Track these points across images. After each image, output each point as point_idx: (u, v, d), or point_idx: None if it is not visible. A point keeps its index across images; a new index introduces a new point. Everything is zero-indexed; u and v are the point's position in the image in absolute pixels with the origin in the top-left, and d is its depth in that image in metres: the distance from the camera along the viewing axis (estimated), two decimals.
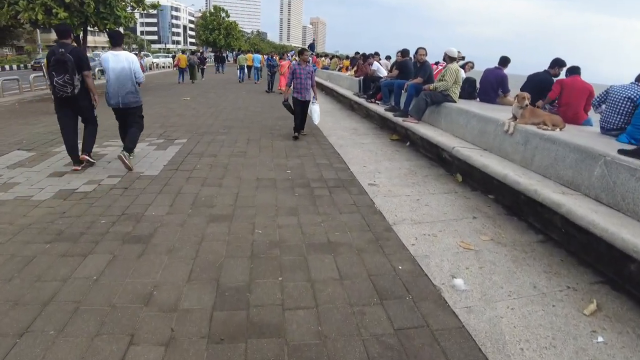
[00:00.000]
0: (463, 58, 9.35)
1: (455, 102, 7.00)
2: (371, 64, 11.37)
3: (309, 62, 8.11)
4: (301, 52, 8.14)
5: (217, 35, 56.45)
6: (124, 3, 15.06)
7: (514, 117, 5.19)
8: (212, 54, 44.49)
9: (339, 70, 20.23)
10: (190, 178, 5.42)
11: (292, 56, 44.50)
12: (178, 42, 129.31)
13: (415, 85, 7.73)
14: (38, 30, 42.17)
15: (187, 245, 3.60)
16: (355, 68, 15.23)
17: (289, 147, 7.30)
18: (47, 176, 5.61)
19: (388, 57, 15.78)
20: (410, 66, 9.19)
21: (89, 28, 15.80)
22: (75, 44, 15.89)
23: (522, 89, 6.51)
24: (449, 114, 6.75)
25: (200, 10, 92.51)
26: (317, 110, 8.41)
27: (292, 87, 7.96)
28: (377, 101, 10.00)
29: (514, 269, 3.39)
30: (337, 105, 13.68)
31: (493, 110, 6.22)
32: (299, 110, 8.04)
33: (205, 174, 5.62)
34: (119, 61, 5.87)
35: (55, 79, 5.32)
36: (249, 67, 24.60)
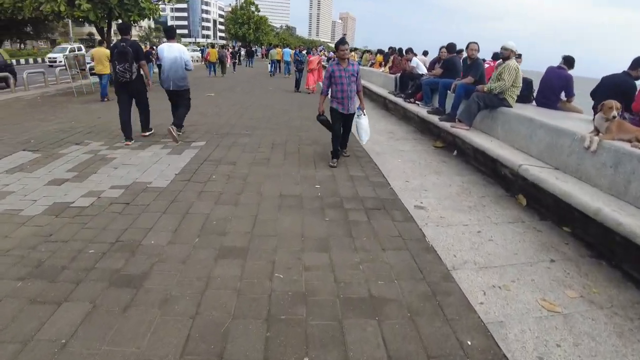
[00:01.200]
0: (519, 55, 8.25)
1: (512, 106, 5.98)
2: (410, 60, 10.36)
3: (349, 59, 5.77)
4: (337, 46, 5.75)
5: (246, 29, 55.98)
6: None
7: (596, 131, 4.17)
8: (243, 49, 44.07)
9: (371, 66, 19.21)
10: (203, 192, 4.62)
11: (321, 51, 43.56)
12: (208, 37, 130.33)
13: (465, 86, 6.72)
14: (71, 24, 42.78)
15: (187, 293, 2.78)
16: (389, 64, 14.21)
17: (318, 154, 6.42)
18: (46, 184, 4.96)
19: (425, 53, 14.67)
20: (458, 63, 8.16)
21: (117, 21, 15.30)
22: (100, 38, 15.62)
23: (594, 95, 5.46)
24: (507, 122, 5.72)
25: (230, 4, 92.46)
26: (365, 126, 6.20)
27: (329, 94, 5.91)
28: (416, 101, 9.01)
29: (623, 350, 2.44)
30: (370, 104, 12.69)
31: (561, 119, 5.20)
32: (340, 126, 5.91)
33: (221, 187, 4.80)
34: (172, 51, 7.01)
35: (117, 67, 6.60)
36: (279, 61, 25.19)
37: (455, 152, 6.66)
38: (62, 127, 8.17)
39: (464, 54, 7.64)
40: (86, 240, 3.53)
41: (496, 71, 6.16)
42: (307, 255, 3.29)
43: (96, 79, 13.07)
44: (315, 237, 3.60)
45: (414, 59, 10.39)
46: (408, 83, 10.22)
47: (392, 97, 10.51)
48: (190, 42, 75.56)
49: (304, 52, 18.65)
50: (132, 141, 6.92)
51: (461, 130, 6.17)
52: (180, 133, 7.30)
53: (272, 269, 3.07)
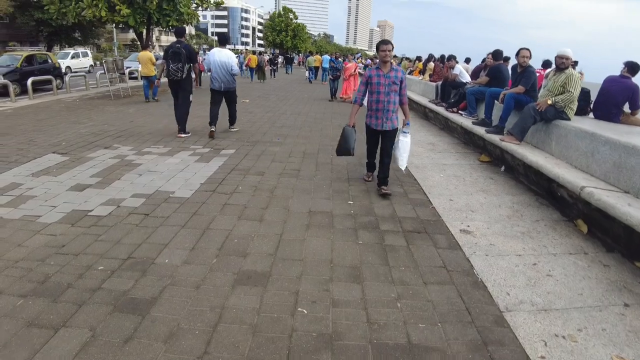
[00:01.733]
0: (576, 63, 7.61)
1: (570, 119, 5.38)
2: (452, 68, 9.80)
3: (392, 64, 4.71)
4: (378, 47, 4.73)
5: (284, 36, 56.41)
6: (187, 0, 14.56)
7: None
8: (281, 56, 44.37)
9: (410, 73, 18.67)
10: (226, 205, 4.28)
11: (358, 58, 43.03)
12: (247, 44, 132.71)
13: (516, 96, 6.15)
14: (115, 30, 44.29)
15: (196, 326, 2.42)
16: (430, 72, 13.65)
17: (352, 165, 5.99)
18: (68, 189, 4.79)
19: (467, 60, 14.04)
20: (505, 71, 7.58)
21: (157, 27, 15.50)
22: (140, 41, 15.87)
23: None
24: (563, 136, 5.13)
25: (269, 12, 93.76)
26: (407, 147, 4.95)
27: (364, 104, 4.89)
28: (460, 111, 8.45)
29: None
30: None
31: (628, 134, 4.58)
32: (375, 147, 5.05)
33: (246, 200, 4.46)
34: (222, 56, 7.59)
35: (170, 65, 7.33)
36: (317, 68, 25.93)
37: (503, 168, 6.08)
38: (94, 130, 8.12)
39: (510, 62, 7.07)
40: (97, 255, 3.26)
41: (552, 81, 5.57)
42: (336, 287, 2.87)
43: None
44: (346, 264, 3.18)
45: (457, 66, 9.83)
46: (450, 91, 9.66)
47: (432, 106, 9.97)
48: (229, 49, 76.86)
49: (340, 59, 17.47)
50: (189, 134, 7.79)
51: (511, 145, 5.61)
52: (237, 129, 8.42)
53: (295, 302, 2.67)
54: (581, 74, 7.80)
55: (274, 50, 58.10)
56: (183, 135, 7.68)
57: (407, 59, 21.44)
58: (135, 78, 21.56)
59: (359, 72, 14.59)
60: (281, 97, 15.38)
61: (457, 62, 10.16)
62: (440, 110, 9.25)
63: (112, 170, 5.52)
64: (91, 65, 29.69)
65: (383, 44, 4.68)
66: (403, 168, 5.12)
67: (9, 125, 8.79)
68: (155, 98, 13.20)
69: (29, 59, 16.12)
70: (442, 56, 12.38)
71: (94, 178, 5.21)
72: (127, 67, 22.01)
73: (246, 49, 30.46)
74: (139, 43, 16.09)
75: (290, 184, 5.00)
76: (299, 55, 56.34)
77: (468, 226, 4.05)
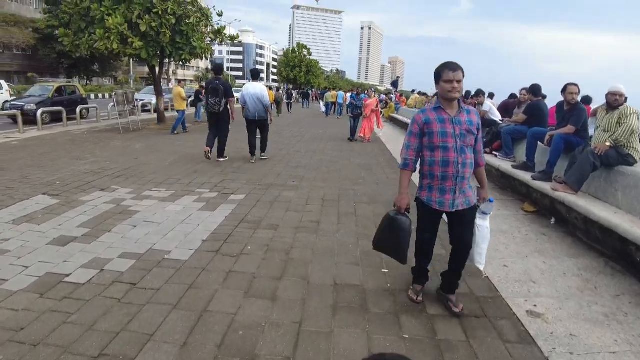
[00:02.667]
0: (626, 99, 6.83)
1: (638, 162, 4.59)
2: (481, 104, 9.09)
3: (460, 103, 2.85)
4: (440, 74, 2.76)
5: (298, 72, 56.91)
6: (201, 34, 14.24)
7: None
8: (294, 91, 44.65)
9: None
10: (231, 274, 3.48)
11: (373, 93, 42.79)
12: (261, 79, 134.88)
13: (565, 137, 5.38)
14: (132, 63, 45.05)
15: None
16: None
17: (379, 216, 5.15)
18: (49, 243, 4.10)
19: (491, 95, 13.35)
20: (546, 109, 6.84)
21: (167, 60, 15.22)
22: (151, 74, 15.57)
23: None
24: (633, 186, 4.30)
25: (283, 49, 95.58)
26: (486, 236, 3.14)
27: (416, 169, 3.02)
28: (493, 152, 7.67)
29: None
30: None
31: None
32: (433, 236, 3.16)
33: (256, 265, 3.65)
34: (255, 89, 8.36)
35: (209, 99, 8.25)
36: (334, 103, 27.11)
37: (553, 221, 5.22)
38: (94, 168, 7.49)
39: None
40: (61, 348, 2.48)
41: (606, 120, 4.82)
42: None
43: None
44: None
45: (486, 102, 9.12)
46: None
47: None
48: (243, 84, 77.97)
49: (363, 95, 16.04)
50: (226, 158, 8.70)
51: (568, 196, 4.77)
52: (266, 157, 8.98)
53: None
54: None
55: (287, 85, 58.58)
56: (221, 159, 8.61)
57: (423, 94, 20.92)
58: (149, 111, 21.42)
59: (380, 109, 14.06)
60: (296, 133, 14.78)
61: (486, 98, 9.47)
62: None
63: (103, 219, 4.79)
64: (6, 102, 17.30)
65: (449, 70, 2.71)
66: (482, 267, 3.24)
67: (9, 159, 8.27)
68: (185, 130, 14.01)
69: (59, 90, 17.18)
70: (468, 92, 11.73)
71: (81, 229, 4.49)
72: (140, 100, 21.99)
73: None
74: (160, 76, 15.78)
75: (309, 243, 4.19)
76: (312, 91, 56.64)
77: (535, 305, 3.18)
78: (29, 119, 13.64)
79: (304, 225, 4.72)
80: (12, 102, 16.01)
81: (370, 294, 3.22)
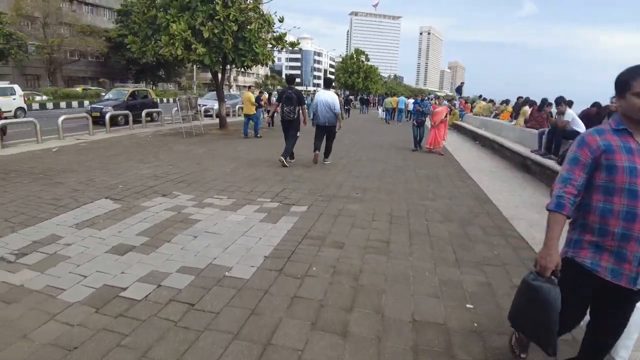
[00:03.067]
0: None
1: None
2: (563, 113, 8.25)
3: None
4: (629, 82, 1.86)
5: (356, 78, 56.55)
6: (263, 40, 14.26)
7: None
8: (351, 96, 44.42)
9: (495, 116, 17.06)
10: (296, 299, 3.13)
11: (432, 99, 41.20)
12: (318, 85, 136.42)
13: None
14: (196, 70, 46.83)
15: None
16: (525, 116, 12.05)
17: (456, 238, 4.64)
18: (108, 250, 3.99)
19: (570, 103, 12.26)
20: None
21: (228, 67, 15.41)
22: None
23: None
24: None
25: (340, 55, 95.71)
26: None
27: (578, 223, 2.07)
28: None
29: None
30: (502, 162, 10.62)
31: None
32: (581, 310, 2.15)
33: (322, 291, 3.27)
34: (326, 96, 8.75)
35: (284, 108, 8.68)
36: (394, 109, 25.82)
37: None
38: (156, 172, 7.51)
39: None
40: None
41: None
42: None
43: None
44: None
45: (569, 111, 8.26)
46: (560, 142, 8.11)
47: (537, 158, 8.41)
48: (301, 90, 78.73)
49: (430, 101, 15.04)
50: (293, 161, 9.09)
51: None
52: (329, 161, 9.27)
53: None
54: None
55: (345, 91, 58.41)
56: (290, 161, 9.01)
57: (490, 101, 19.80)
58: (211, 116, 21.91)
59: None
60: (356, 140, 14.39)
61: (567, 106, 8.60)
62: (550, 164, 7.69)
63: (163, 228, 4.65)
64: (21, 109, 19.88)
65: None
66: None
67: (78, 161, 8.58)
68: (258, 135, 14.31)
69: (133, 94, 18.57)
70: (544, 100, 10.80)
71: (141, 237, 4.36)
72: (203, 105, 22.59)
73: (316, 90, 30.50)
74: (222, 82, 16.07)
75: (379, 266, 3.76)
76: (369, 96, 56.06)
77: None
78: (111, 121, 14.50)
79: (372, 244, 4.30)
80: (92, 105, 17.65)
81: (455, 335, 2.74)
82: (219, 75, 15.78)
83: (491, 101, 19.52)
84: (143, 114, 15.82)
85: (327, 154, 9.25)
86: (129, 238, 4.33)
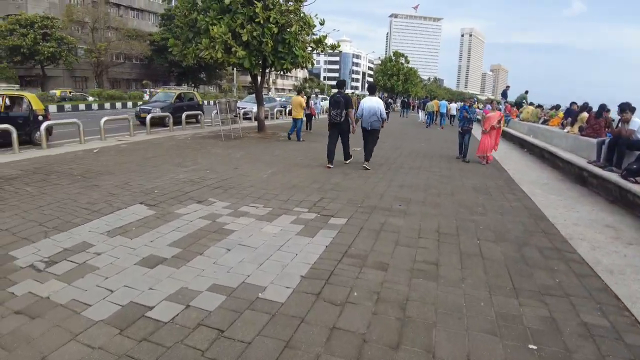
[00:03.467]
0: None
1: None
2: (627, 121, 7.54)
3: None
4: None
5: (395, 80, 55.69)
6: (303, 43, 14.06)
7: None
8: (390, 99, 43.79)
9: (543, 122, 16.13)
10: (336, 331, 2.80)
11: (474, 104, 39.60)
12: (356, 88, 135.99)
13: None
14: (236, 73, 47.51)
15: None
16: (580, 124, 11.24)
17: (512, 261, 4.17)
18: (137, 262, 3.84)
19: (633, 109, 11.33)
20: None
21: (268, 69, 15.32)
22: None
23: None
24: None
25: (379, 57, 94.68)
26: None
27: None
28: None
29: None
30: (554, 172, 9.90)
31: None
32: None
33: (365, 322, 2.92)
34: (372, 102, 9.01)
35: (332, 111, 9.03)
36: (435, 113, 25.33)
37: None
38: (193, 177, 7.40)
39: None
40: None
41: None
42: None
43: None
44: None
45: (635, 119, 7.54)
46: (624, 152, 7.41)
47: (596, 170, 7.72)
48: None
49: (479, 107, 13.85)
50: (333, 166, 9.09)
51: None
52: (367, 164, 9.28)
53: None
54: None
55: (383, 94, 57.67)
56: (347, 161, 9.70)
57: (538, 105, 18.80)
58: (250, 119, 21.98)
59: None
60: (397, 145, 13.95)
61: (632, 114, 7.86)
62: (612, 177, 7.02)
63: (196, 238, 4.46)
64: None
65: None
66: None
67: (117, 162, 8.64)
68: (301, 139, 14.20)
69: (180, 96, 19.05)
70: (602, 106, 10.02)
71: (172, 248, 4.17)
72: (242, 108, 22.70)
73: (354, 94, 30.02)
74: (261, 85, 16.04)
75: (428, 295, 3.37)
76: (409, 99, 55.08)
77: None
78: (156, 122, 15.44)
79: (419, 267, 3.91)
80: (141, 107, 18.44)
81: None
82: (258, 79, 15.73)
83: (539, 106, 18.52)
84: (183, 116, 16.00)
85: (367, 157, 9.29)
86: (161, 249, 4.15)
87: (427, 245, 4.46)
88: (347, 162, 9.63)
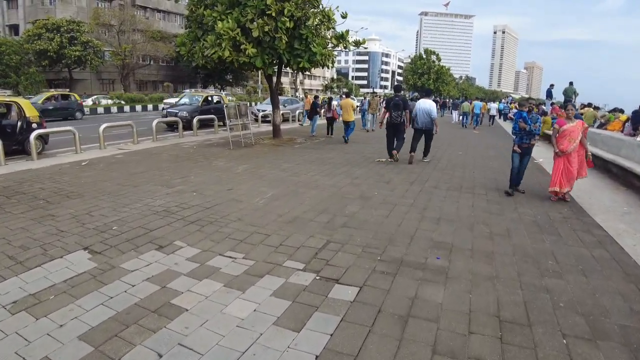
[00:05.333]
0: None
1: None
2: None
3: None
4: None
5: (426, 79, 53.23)
6: (322, 38, 12.39)
7: None
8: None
9: (600, 126, 13.92)
10: None
11: (511, 103, 36.60)
12: (385, 87, 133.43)
13: None
14: (261, 73, 46.35)
15: None
16: None
17: None
18: None
19: None
20: None
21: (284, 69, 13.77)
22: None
23: None
24: None
25: (409, 56, 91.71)
26: None
27: None
28: None
29: None
30: (629, 194, 7.80)
31: None
32: None
33: None
34: (425, 104, 10.07)
35: (392, 113, 10.02)
36: (469, 113, 24.20)
37: None
38: (171, 204, 5.94)
39: None
40: None
41: None
42: None
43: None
44: None
45: None
46: None
47: None
48: (366, 93, 76.19)
49: (539, 113, 10.01)
50: (393, 159, 10.09)
51: None
52: (428, 160, 10.38)
53: None
54: None
55: (413, 93, 55.35)
56: (392, 159, 10.18)
57: (595, 107, 16.48)
58: (269, 122, 20.56)
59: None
60: (432, 153, 12.05)
61: None
62: None
63: (123, 325, 2.89)
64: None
65: None
66: None
67: (98, 180, 7.52)
68: (346, 139, 13.98)
69: (207, 99, 18.62)
70: None
71: (79, 345, 2.63)
72: (262, 111, 21.28)
73: (372, 93, 27.82)
74: (285, 86, 14.59)
75: None
76: (442, 99, 52.59)
77: None
78: (183, 125, 14.90)
79: None
80: (168, 110, 18.19)
81: None
82: (273, 79, 14.18)
83: (596, 108, 16.20)
84: (195, 120, 14.81)
85: (426, 153, 10.49)
86: (62, 349, 2.62)
87: (484, 349, 2.70)
88: (391, 159, 10.16)
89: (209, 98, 19.06)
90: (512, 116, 9.00)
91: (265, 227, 5.03)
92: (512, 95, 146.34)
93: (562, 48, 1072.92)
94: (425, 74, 53.22)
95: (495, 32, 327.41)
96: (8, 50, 35.02)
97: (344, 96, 15.94)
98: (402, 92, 10.84)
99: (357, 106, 23.25)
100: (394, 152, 9.97)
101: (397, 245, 4.51)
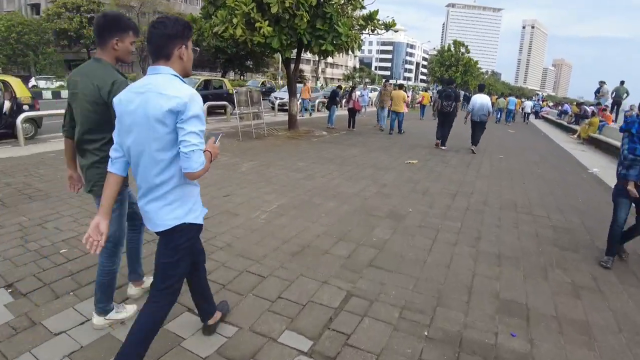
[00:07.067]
0: None
1: None
2: None
3: None
4: None
5: (454, 72, 50.94)
6: (348, 18, 10.91)
7: None
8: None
9: None
10: None
11: (543, 101, 34.48)
12: (409, 79, 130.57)
13: None
14: (281, 61, 44.86)
15: None
16: None
17: None
18: None
19: None
20: None
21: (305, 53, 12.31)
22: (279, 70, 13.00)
23: None
24: None
25: (435, 47, 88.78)
26: None
27: None
28: None
29: None
30: None
31: None
32: None
33: None
34: (482, 99, 10.85)
35: (443, 102, 11.06)
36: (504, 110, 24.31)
37: None
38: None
39: None
40: None
41: None
42: None
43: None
44: None
45: None
46: None
47: None
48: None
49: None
50: (445, 147, 11.24)
51: None
52: (474, 149, 11.24)
53: None
54: None
55: (437, 85, 53.21)
56: (443, 148, 11.20)
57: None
58: (286, 110, 19.17)
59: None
60: (463, 154, 10.51)
61: None
62: None
63: None
64: None
65: None
66: None
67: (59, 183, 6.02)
68: (402, 131, 14.33)
69: (206, 83, 16.78)
70: None
71: None
72: (280, 99, 19.88)
73: (409, 85, 26.33)
74: (306, 74, 13.21)
75: None
76: (462, 93, 50.42)
77: None
78: None
79: None
80: None
81: None
82: (291, 65, 12.75)
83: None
84: (205, 107, 13.42)
85: (475, 142, 11.21)
86: None
87: None
88: (444, 147, 11.22)
89: (209, 82, 17.24)
90: (623, 124, 4.33)
91: (262, 261, 3.65)
92: (538, 92, 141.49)
93: (592, 45, 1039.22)
94: (453, 66, 50.95)
95: (524, 27, 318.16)
96: (26, 29, 34.49)
97: (396, 87, 15.36)
98: (454, 85, 11.76)
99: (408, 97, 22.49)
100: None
101: (450, 308, 3.06)
